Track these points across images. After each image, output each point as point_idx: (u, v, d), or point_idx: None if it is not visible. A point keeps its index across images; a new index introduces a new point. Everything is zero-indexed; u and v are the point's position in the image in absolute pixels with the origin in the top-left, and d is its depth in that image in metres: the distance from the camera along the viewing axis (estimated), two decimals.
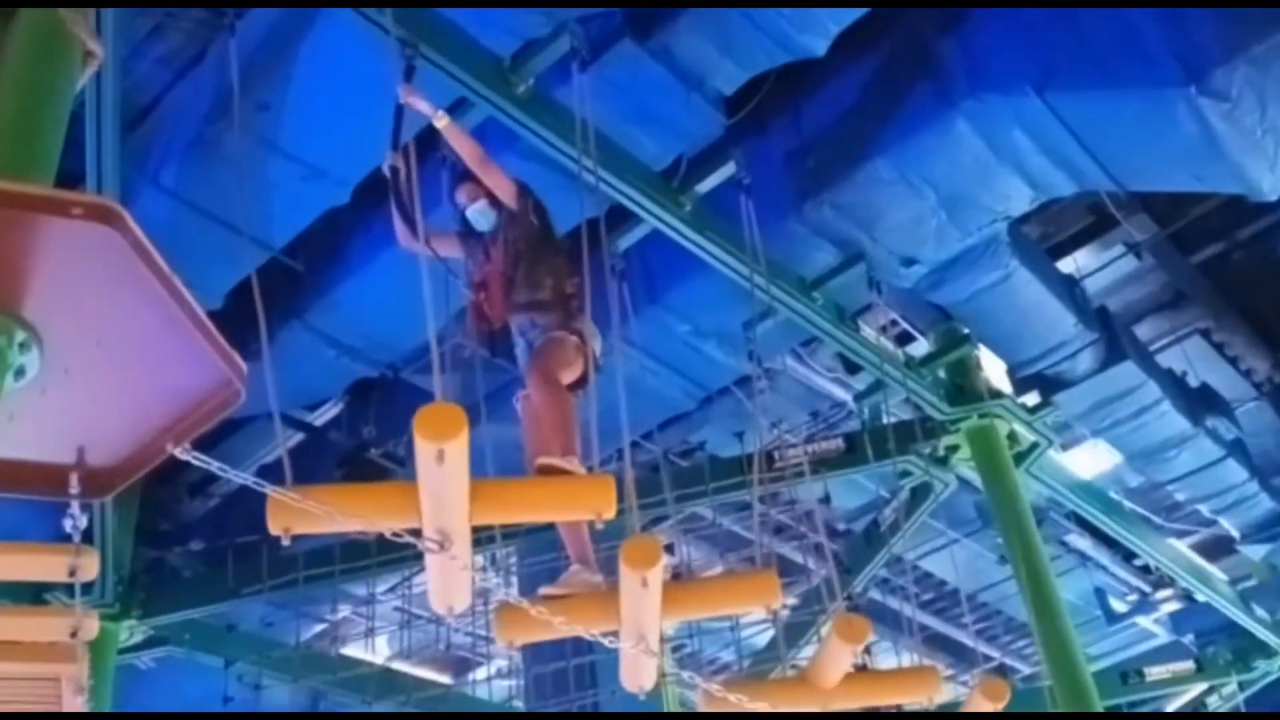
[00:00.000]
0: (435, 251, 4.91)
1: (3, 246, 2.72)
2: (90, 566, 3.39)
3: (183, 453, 3.05)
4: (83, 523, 3.16)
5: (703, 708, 4.46)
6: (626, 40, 6.59)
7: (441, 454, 3.01)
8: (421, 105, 4.88)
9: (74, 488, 3.07)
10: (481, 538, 8.44)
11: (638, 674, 4.12)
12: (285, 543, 3.37)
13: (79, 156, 6.16)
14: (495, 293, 4.89)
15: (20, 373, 2.85)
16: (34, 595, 7.18)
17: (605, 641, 3.86)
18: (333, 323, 8.08)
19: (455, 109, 6.40)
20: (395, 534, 3.37)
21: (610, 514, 3.52)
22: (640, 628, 3.85)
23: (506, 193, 5.02)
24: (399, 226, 4.98)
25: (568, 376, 4.70)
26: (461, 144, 4.97)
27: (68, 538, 3.24)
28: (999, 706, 4.91)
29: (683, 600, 4.16)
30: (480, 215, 5.09)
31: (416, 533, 3.41)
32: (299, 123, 6.58)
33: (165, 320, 2.81)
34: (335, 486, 3.69)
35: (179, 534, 9.94)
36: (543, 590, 4.23)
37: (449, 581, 3.63)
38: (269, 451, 8.76)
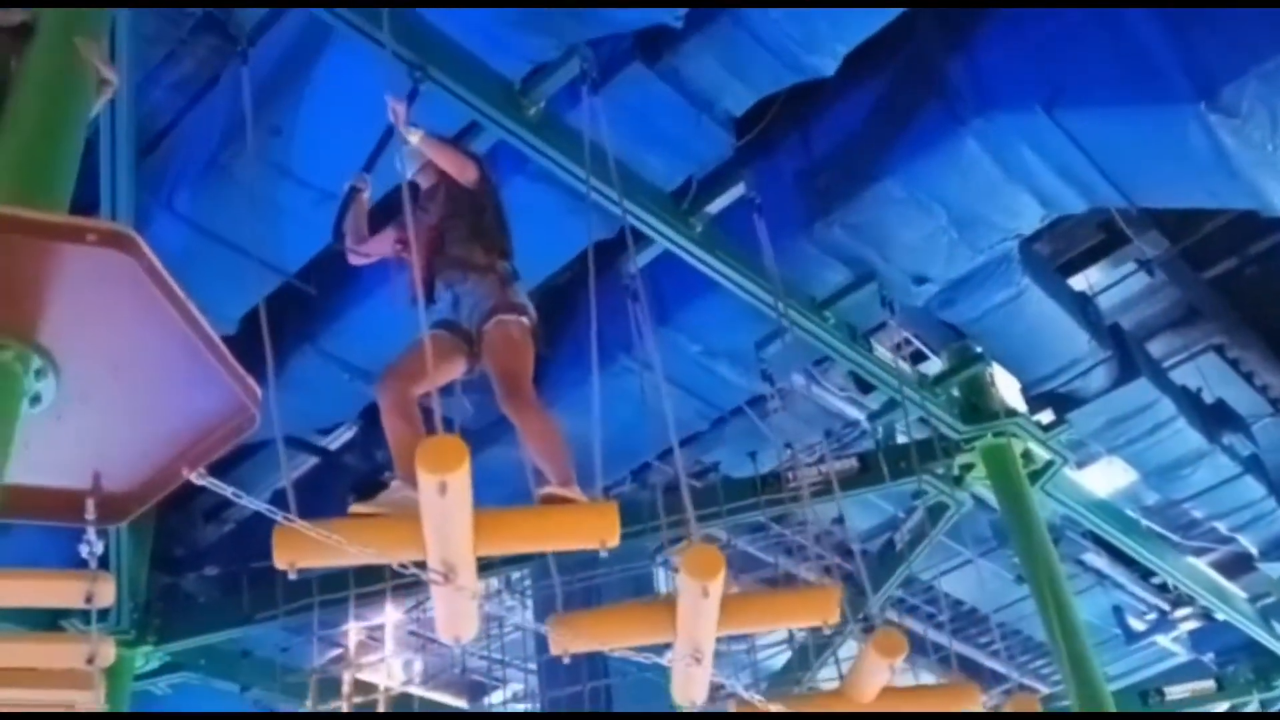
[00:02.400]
0: (371, 255, 5.06)
1: (19, 274, 2.75)
2: (107, 592, 3.41)
3: (198, 478, 3.06)
4: (99, 548, 3.17)
5: None
6: (636, 63, 6.62)
7: (444, 486, 3.03)
8: (402, 122, 4.84)
9: (90, 513, 3.10)
10: (495, 561, 8.44)
11: (689, 687, 4.11)
12: (291, 576, 3.40)
13: (93, 183, 6.20)
14: (420, 246, 4.61)
15: (36, 399, 2.87)
16: (49, 622, 7.19)
17: (642, 659, 3.84)
18: (345, 346, 8.10)
19: (466, 133, 6.46)
20: (402, 566, 3.39)
21: (614, 542, 3.53)
22: (695, 639, 3.84)
23: (470, 179, 4.95)
24: (347, 244, 5.06)
25: (530, 370, 4.59)
26: (440, 154, 4.92)
27: (83, 564, 3.25)
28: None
29: (741, 613, 4.13)
30: (412, 157, 4.96)
31: (422, 564, 3.42)
32: (310, 148, 6.62)
33: (180, 345, 2.83)
34: (342, 519, 3.69)
35: (194, 560, 9.96)
36: (354, 507, 4.03)
37: (455, 611, 3.63)
38: (283, 477, 8.77)
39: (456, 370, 4.63)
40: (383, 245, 5.14)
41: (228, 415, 3.02)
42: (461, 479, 3.04)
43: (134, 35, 5.98)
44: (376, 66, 5.48)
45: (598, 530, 3.55)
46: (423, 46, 5.72)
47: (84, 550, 3.15)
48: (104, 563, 3.32)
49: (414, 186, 5.01)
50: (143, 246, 2.66)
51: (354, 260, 5.23)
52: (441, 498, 3.07)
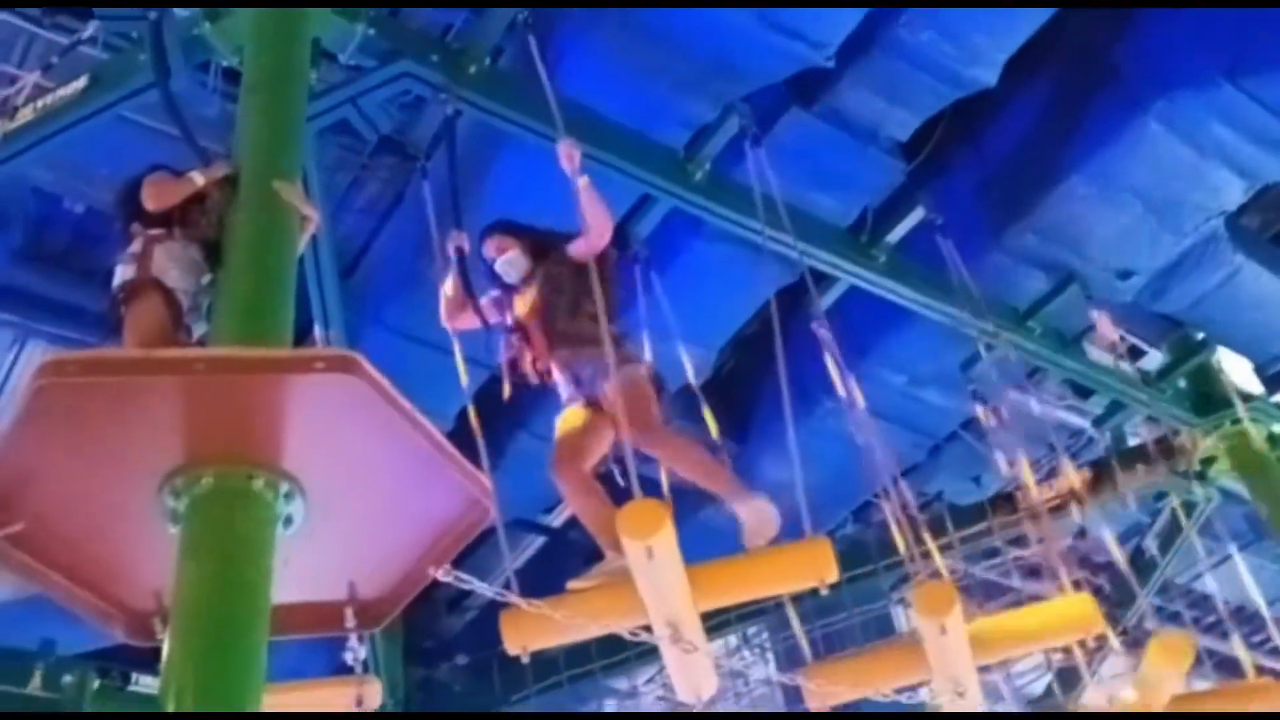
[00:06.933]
0: (486, 321, 5.08)
1: (258, 407, 2.97)
2: (375, 695, 3.60)
3: (444, 575, 3.21)
4: (362, 654, 3.35)
5: None
6: (794, 108, 6.67)
7: (650, 550, 3.07)
8: (575, 167, 4.86)
9: (350, 621, 3.28)
10: (731, 618, 8.42)
11: None
12: (524, 659, 3.50)
13: (304, 308, 6.61)
14: (535, 332, 4.72)
15: (289, 521, 3.08)
16: None
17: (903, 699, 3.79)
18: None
19: (639, 207, 6.62)
20: (633, 633, 3.44)
21: (832, 578, 3.46)
22: (953, 674, 3.76)
23: (601, 248, 4.88)
24: (450, 305, 5.18)
25: (653, 404, 4.48)
26: (594, 209, 4.83)
27: (341, 668, 3.44)
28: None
29: (992, 639, 4.00)
30: (510, 266, 5.02)
31: (649, 628, 3.47)
32: None
33: (412, 452, 3.00)
34: (564, 596, 3.72)
35: (443, 650, 10.31)
36: (571, 584, 3.92)
37: (690, 670, 3.65)
38: (516, 559, 9.05)
39: (608, 437, 4.61)
40: (468, 321, 5.27)
41: (463, 511, 3.17)
42: (666, 539, 3.08)
43: (319, 167, 6.38)
44: (547, 160, 5.69)
45: (814, 568, 3.49)
46: (585, 132, 5.91)
47: (348, 657, 3.34)
48: (364, 665, 3.51)
49: (506, 283, 5.08)
50: (366, 366, 2.85)
51: (460, 325, 5.30)
52: (650, 561, 3.11)
